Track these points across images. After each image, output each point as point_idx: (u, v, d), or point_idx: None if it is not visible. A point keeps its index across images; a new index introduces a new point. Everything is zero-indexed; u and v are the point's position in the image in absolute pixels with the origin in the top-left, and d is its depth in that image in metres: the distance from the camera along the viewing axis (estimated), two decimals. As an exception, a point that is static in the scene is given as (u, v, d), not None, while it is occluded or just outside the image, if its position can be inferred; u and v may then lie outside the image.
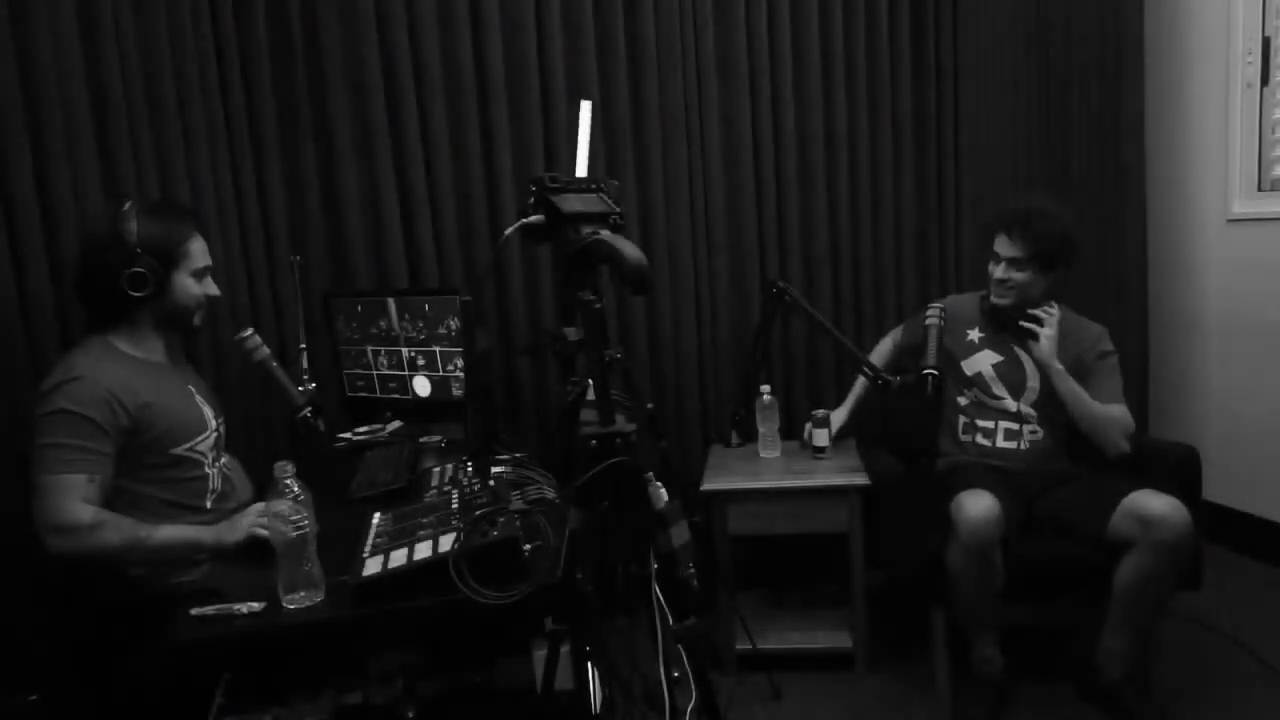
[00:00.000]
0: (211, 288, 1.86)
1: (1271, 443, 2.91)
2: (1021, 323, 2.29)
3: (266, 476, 1.54)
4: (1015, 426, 2.34)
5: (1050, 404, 2.31)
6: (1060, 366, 2.23)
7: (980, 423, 2.38)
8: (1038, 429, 2.33)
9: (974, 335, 2.41)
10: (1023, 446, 2.33)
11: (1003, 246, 2.29)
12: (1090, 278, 3.05)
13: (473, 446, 2.02)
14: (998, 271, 2.30)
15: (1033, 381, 2.34)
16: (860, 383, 2.68)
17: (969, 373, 2.39)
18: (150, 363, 1.81)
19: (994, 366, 2.37)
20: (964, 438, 2.41)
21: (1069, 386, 2.23)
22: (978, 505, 2.00)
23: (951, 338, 2.38)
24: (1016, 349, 2.35)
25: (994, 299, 2.34)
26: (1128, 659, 2.12)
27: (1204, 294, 3.10)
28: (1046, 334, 2.24)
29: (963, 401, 2.41)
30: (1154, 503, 2.00)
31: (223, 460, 1.91)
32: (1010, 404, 2.34)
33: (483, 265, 2.68)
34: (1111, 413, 2.24)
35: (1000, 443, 2.36)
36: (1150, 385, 3.14)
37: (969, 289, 2.98)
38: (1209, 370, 3.11)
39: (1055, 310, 2.29)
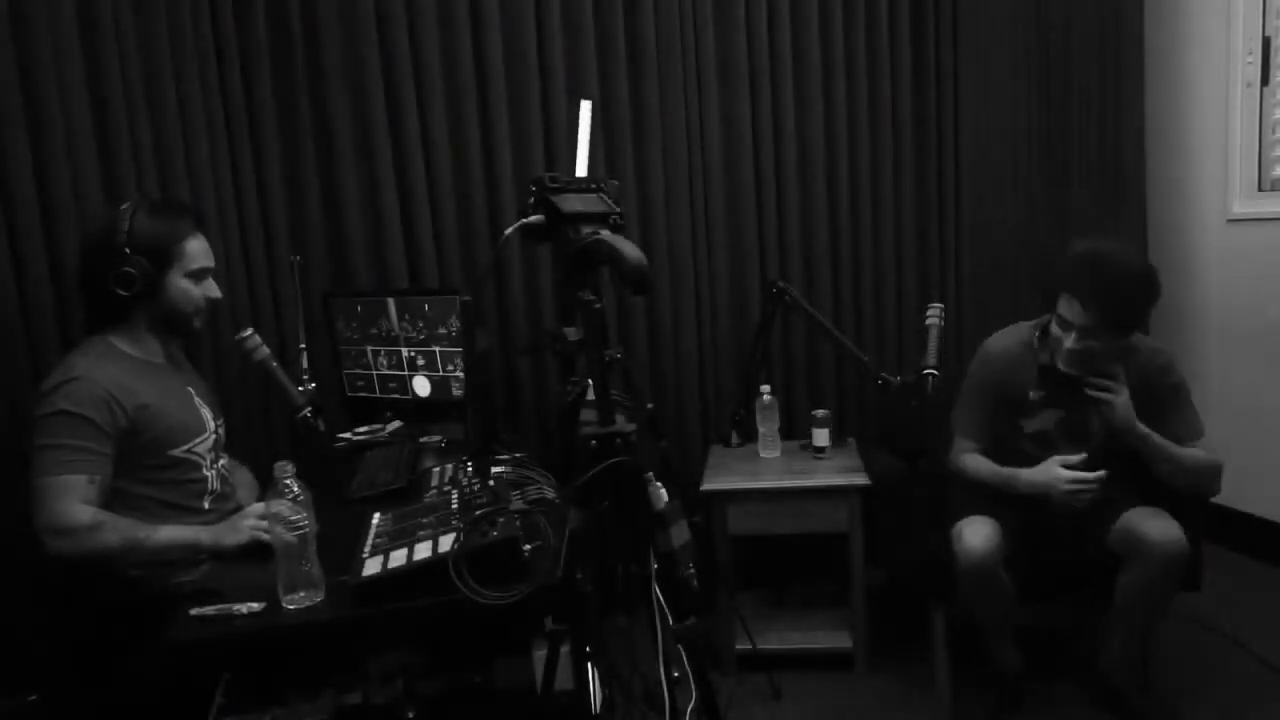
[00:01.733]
0: (212, 289, 1.84)
1: (1271, 443, 2.91)
2: (1090, 391, 2.01)
3: (266, 476, 1.54)
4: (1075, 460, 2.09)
5: (1113, 443, 2.07)
6: (1143, 430, 1.99)
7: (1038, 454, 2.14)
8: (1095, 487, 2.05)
9: (1034, 395, 2.13)
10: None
11: (1074, 314, 1.94)
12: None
13: (473, 446, 2.02)
14: (1069, 341, 1.96)
15: (1098, 433, 2.10)
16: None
17: (1028, 431, 2.16)
18: (150, 364, 1.81)
19: (1058, 425, 2.15)
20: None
21: (1153, 445, 2.00)
22: (976, 536, 1.98)
23: (1004, 391, 2.16)
24: (1082, 405, 2.08)
25: (1062, 366, 2.03)
26: (1129, 664, 2.12)
27: (1204, 294, 3.10)
28: (1122, 400, 1.98)
29: (1026, 447, 2.16)
30: (1148, 526, 1.95)
31: (222, 462, 1.91)
32: (1072, 457, 2.07)
33: (483, 265, 2.68)
34: (1199, 460, 2.02)
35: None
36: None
37: (968, 289, 2.99)
38: (1209, 370, 3.11)
39: (1120, 370, 2.02)
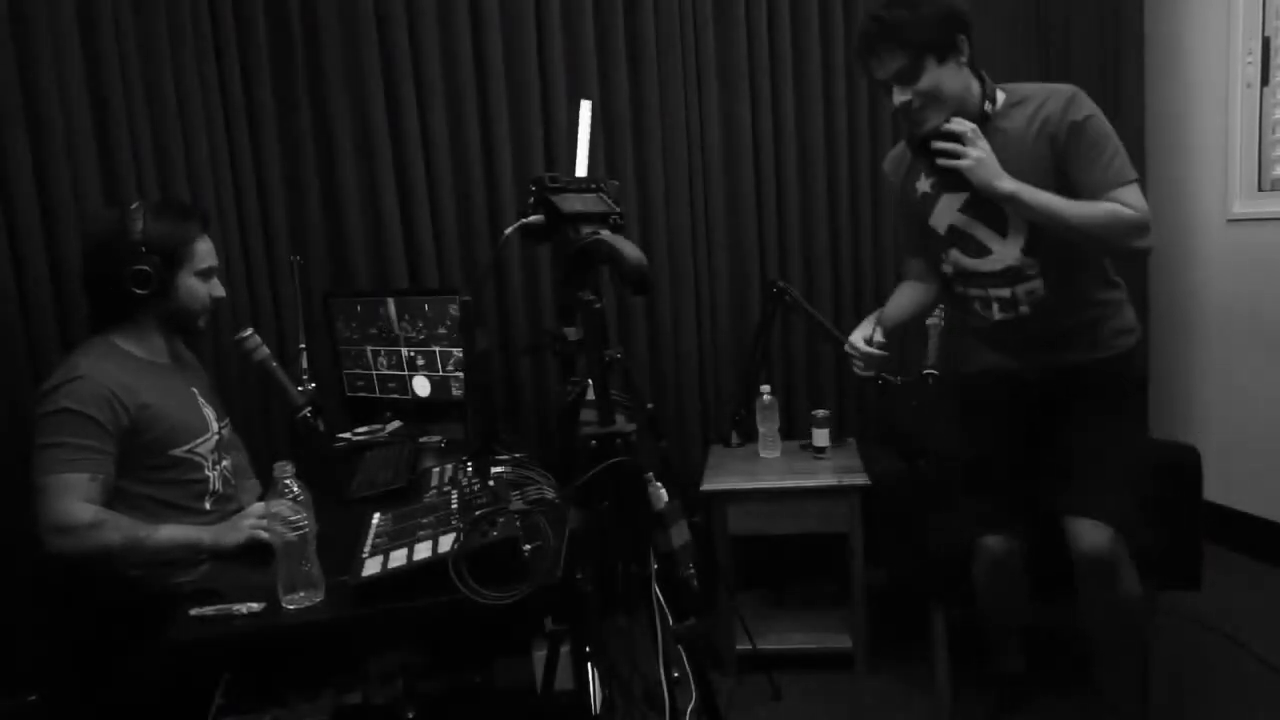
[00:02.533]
0: (217, 289, 1.86)
1: (1271, 443, 2.91)
2: (938, 157, 1.72)
3: (266, 476, 1.54)
4: (1006, 293, 1.84)
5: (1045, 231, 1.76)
6: (1008, 186, 1.67)
7: (973, 292, 1.90)
8: (1035, 280, 1.81)
9: (924, 186, 1.88)
10: (1023, 311, 1.83)
11: (878, 69, 1.72)
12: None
13: (473, 446, 2.02)
14: (894, 102, 1.73)
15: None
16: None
17: (941, 230, 1.88)
18: (153, 363, 1.81)
19: (962, 211, 1.83)
20: (969, 319, 1.96)
21: (1025, 203, 1.68)
22: (997, 549, 1.96)
23: (908, 199, 1.93)
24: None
25: (914, 132, 1.78)
26: (1126, 696, 1.96)
27: (1204, 294, 3.10)
28: (973, 155, 1.68)
29: (948, 271, 1.92)
30: (1075, 531, 1.79)
31: (225, 462, 1.91)
32: (995, 258, 1.81)
33: (483, 265, 2.68)
34: (1097, 212, 1.67)
35: (997, 315, 1.88)
36: (1150, 385, 3.14)
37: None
38: (1209, 370, 3.11)
39: (967, 123, 1.70)
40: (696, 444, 2.89)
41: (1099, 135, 1.69)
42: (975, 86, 1.75)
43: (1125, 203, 1.67)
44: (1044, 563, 2.01)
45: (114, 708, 1.66)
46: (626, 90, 2.75)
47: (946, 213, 1.85)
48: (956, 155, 1.70)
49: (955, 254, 1.88)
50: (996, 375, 1.96)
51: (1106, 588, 1.80)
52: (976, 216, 1.82)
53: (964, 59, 1.71)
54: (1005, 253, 1.80)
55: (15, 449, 1.75)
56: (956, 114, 1.71)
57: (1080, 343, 1.86)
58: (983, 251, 1.83)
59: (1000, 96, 1.76)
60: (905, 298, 2.09)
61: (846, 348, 1.98)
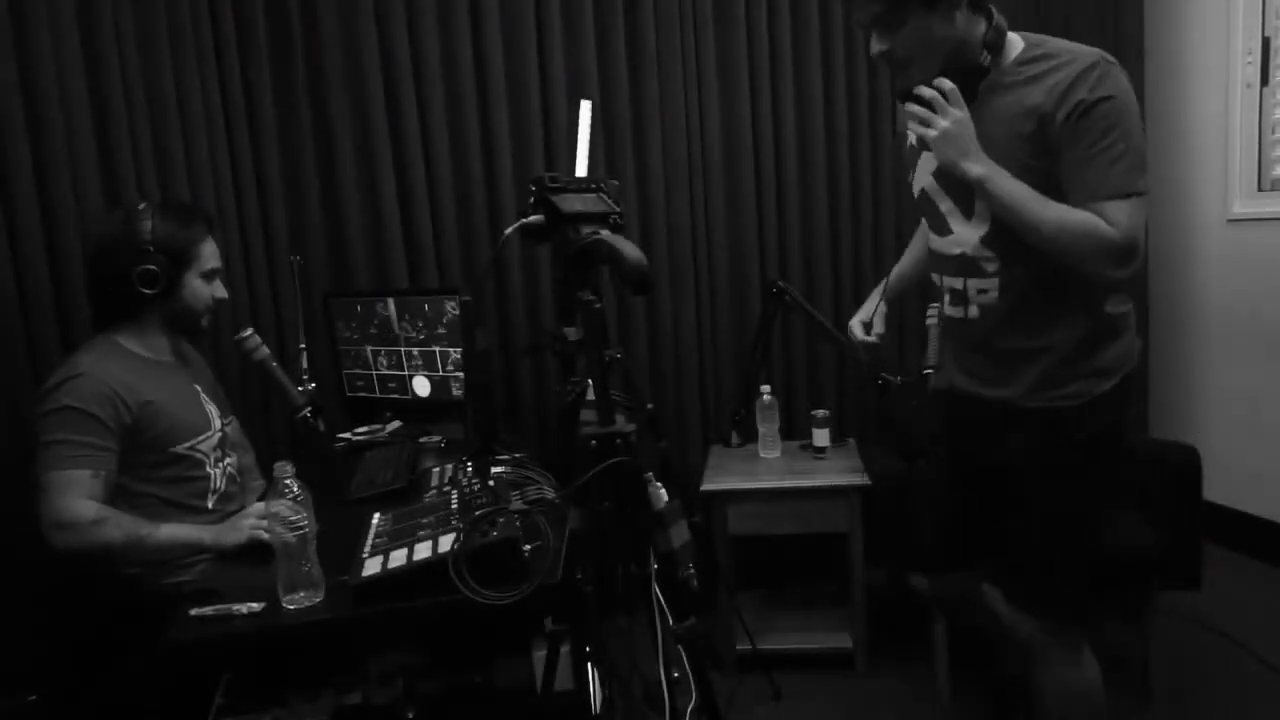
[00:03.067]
0: (220, 290, 1.87)
1: (1271, 443, 2.91)
2: (909, 113, 1.45)
3: (267, 476, 1.54)
4: (958, 284, 1.55)
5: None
6: (976, 169, 1.40)
7: (934, 276, 1.64)
8: (989, 279, 1.50)
9: (912, 138, 1.61)
10: (971, 312, 1.54)
11: (856, 11, 1.47)
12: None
13: (473, 446, 2.02)
14: (871, 51, 1.48)
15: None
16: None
17: (915, 193, 1.63)
18: (156, 361, 1.82)
19: (935, 176, 1.55)
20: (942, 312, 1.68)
21: (999, 192, 1.39)
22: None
23: (898, 147, 1.71)
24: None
25: (896, 84, 1.53)
26: None
27: (1204, 294, 3.10)
28: (939, 125, 1.41)
29: (926, 222, 1.65)
30: (1002, 615, 1.60)
31: (229, 460, 1.91)
32: (953, 239, 1.53)
33: (483, 265, 2.68)
34: (1070, 223, 1.35)
35: (948, 309, 1.61)
36: (1150, 385, 3.14)
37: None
38: (1209, 370, 3.11)
39: (946, 83, 1.41)
40: (696, 444, 2.89)
41: (1109, 126, 1.33)
42: (980, 31, 1.42)
43: (1111, 219, 1.33)
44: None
45: (114, 708, 1.66)
46: (626, 90, 2.75)
47: (924, 174, 1.58)
48: (924, 123, 1.43)
49: (925, 225, 1.64)
50: (953, 396, 1.67)
51: (1039, 669, 1.59)
52: (946, 187, 1.53)
53: (956, 1, 1.40)
54: (965, 236, 1.51)
55: (15, 449, 1.75)
56: (952, 64, 1.42)
57: (1027, 376, 1.50)
58: (944, 229, 1.55)
59: (1016, 49, 1.43)
60: (909, 255, 1.90)
61: (847, 333, 1.82)
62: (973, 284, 1.52)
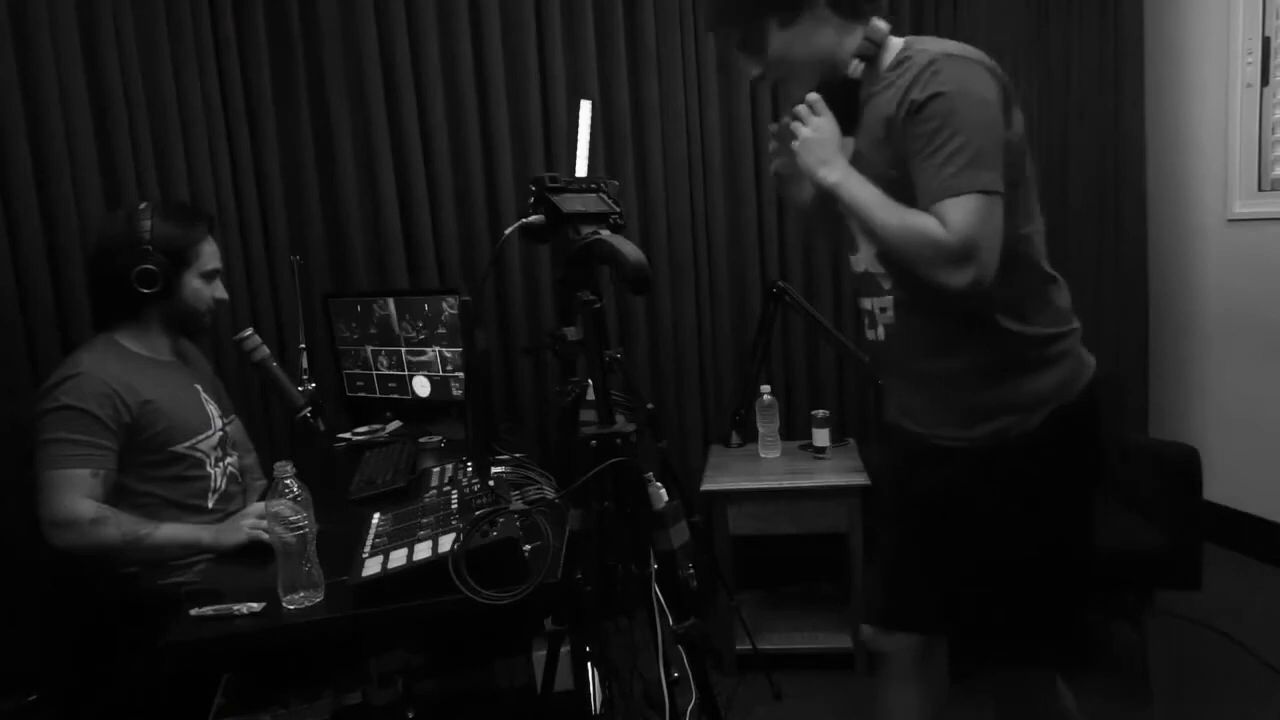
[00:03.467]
0: (220, 290, 1.88)
1: (1271, 443, 2.91)
2: (773, 134, 1.46)
3: (268, 476, 1.54)
4: (867, 305, 1.49)
5: None
6: (830, 177, 1.35)
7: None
8: (887, 296, 1.43)
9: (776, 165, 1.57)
10: (879, 336, 1.48)
11: (722, 41, 1.51)
12: (1090, 278, 3.05)
13: (473, 446, 2.02)
14: (749, 75, 1.48)
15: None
16: None
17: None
18: (156, 361, 1.82)
19: None
20: None
21: (849, 198, 1.34)
22: (894, 648, 1.59)
23: None
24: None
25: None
26: None
27: (1204, 294, 3.10)
28: (801, 134, 1.38)
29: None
30: None
31: (229, 460, 1.91)
32: (858, 258, 1.47)
33: (483, 265, 2.68)
34: (905, 227, 1.27)
35: (867, 331, 1.53)
36: (1150, 385, 3.14)
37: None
38: (1209, 370, 3.11)
39: (812, 94, 1.39)
40: (696, 444, 2.89)
41: (939, 124, 1.24)
42: (852, 41, 1.37)
43: (946, 220, 1.23)
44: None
45: (114, 708, 1.66)
46: (626, 90, 2.75)
47: None
48: (792, 134, 1.40)
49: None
50: (885, 428, 1.60)
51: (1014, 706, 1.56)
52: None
53: (819, 12, 1.36)
54: (865, 252, 1.45)
55: (15, 449, 1.75)
56: (829, 77, 1.38)
57: (938, 407, 1.42)
58: (853, 246, 1.48)
59: (891, 54, 1.36)
60: None
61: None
62: (875, 303, 1.46)
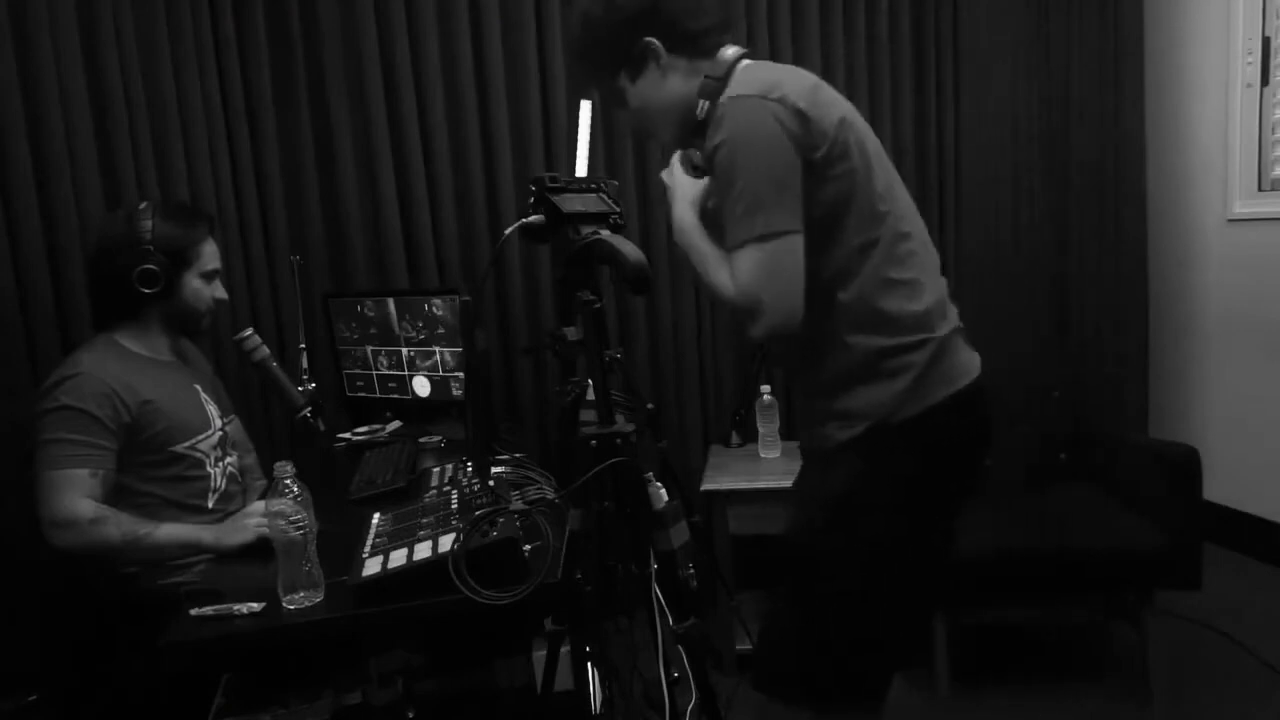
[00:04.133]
0: (220, 291, 1.88)
1: (1271, 443, 2.91)
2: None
3: (268, 476, 1.54)
4: None
5: None
6: (674, 224, 1.39)
7: None
8: None
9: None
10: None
11: (596, 96, 1.53)
12: (1090, 278, 3.05)
13: (473, 446, 2.02)
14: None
15: None
16: None
17: None
18: (156, 361, 1.82)
19: None
20: None
21: (683, 243, 1.37)
22: None
23: None
24: None
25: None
26: None
27: (1204, 294, 3.10)
28: (668, 182, 1.47)
29: None
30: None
31: (229, 459, 1.91)
32: None
33: (483, 265, 2.68)
34: (712, 278, 1.30)
35: None
36: (1150, 385, 3.14)
37: (968, 290, 2.99)
38: (1209, 370, 3.11)
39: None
40: (696, 444, 2.88)
41: (721, 173, 1.24)
42: (701, 84, 1.35)
43: (734, 273, 1.23)
44: (1024, 564, 2.02)
45: (114, 708, 1.66)
46: (626, 90, 2.75)
47: None
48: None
49: None
50: None
51: None
52: None
53: (663, 60, 1.35)
54: None
55: (15, 449, 1.75)
56: (690, 121, 1.37)
57: (806, 418, 1.45)
58: None
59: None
60: None
61: None
62: None
